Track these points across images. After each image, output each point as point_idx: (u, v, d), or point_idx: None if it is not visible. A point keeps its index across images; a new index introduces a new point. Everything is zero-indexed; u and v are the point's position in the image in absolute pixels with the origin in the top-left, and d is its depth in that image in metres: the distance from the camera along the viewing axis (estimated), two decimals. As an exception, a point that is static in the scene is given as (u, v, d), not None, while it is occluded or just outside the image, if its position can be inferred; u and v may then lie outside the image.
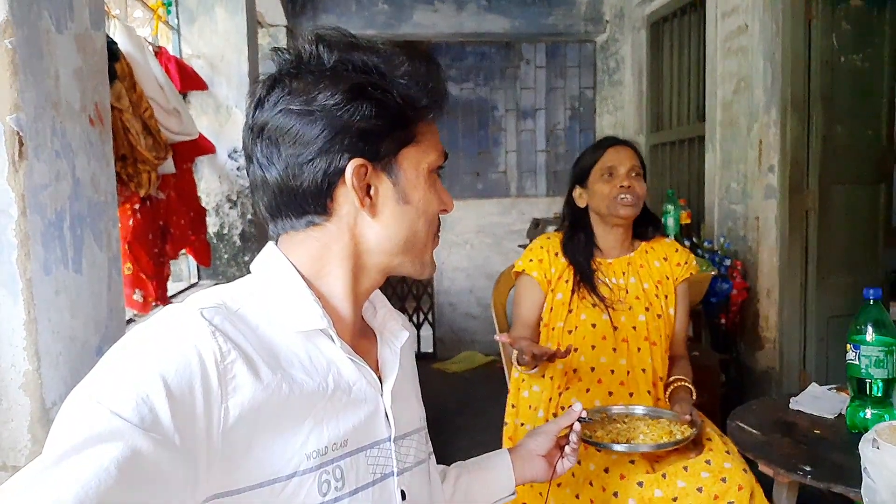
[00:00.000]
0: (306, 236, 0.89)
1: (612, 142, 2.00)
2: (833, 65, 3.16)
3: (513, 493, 1.26)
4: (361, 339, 0.99)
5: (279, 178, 0.85)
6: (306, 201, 0.86)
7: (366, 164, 0.85)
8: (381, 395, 0.93)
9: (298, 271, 0.89)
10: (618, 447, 1.58)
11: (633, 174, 1.93)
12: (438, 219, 0.96)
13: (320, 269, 0.90)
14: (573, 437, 1.28)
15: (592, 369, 1.93)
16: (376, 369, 0.96)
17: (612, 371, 1.93)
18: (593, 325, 1.94)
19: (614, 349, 1.94)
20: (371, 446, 0.90)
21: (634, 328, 1.96)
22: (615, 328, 1.94)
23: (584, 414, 1.28)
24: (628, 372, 1.93)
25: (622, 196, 1.90)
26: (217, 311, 0.80)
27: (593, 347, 1.94)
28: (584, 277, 1.97)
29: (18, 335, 1.02)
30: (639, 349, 1.95)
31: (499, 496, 1.25)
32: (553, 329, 1.98)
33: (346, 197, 0.86)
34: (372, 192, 0.88)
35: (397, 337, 1.01)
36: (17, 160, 1.01)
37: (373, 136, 0.85)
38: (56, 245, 1.12)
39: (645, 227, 2.04)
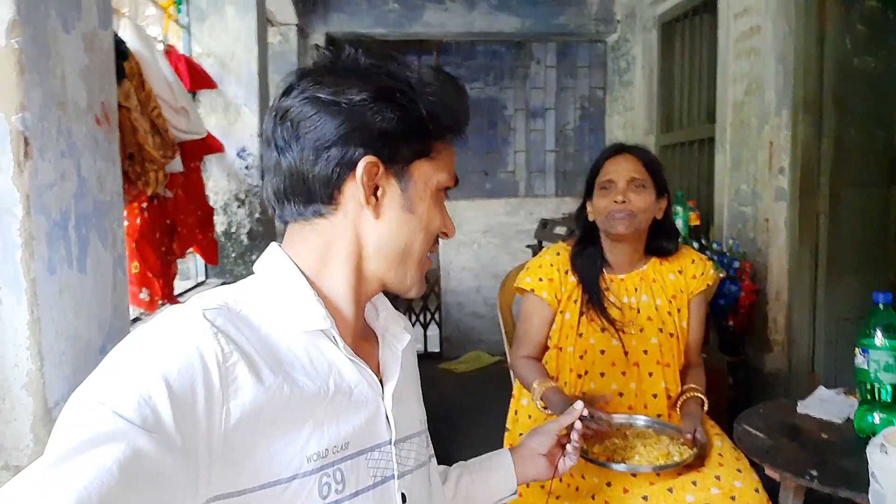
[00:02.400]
0: (311, 228, 0.89)
1: (611, 152, 1.89)
2: (846, 66, 3.14)
3: (514, 493, 1.26)
4: (363, 341, 0.99)
5: (293, 162, 0.86)
6: (315, 188, 0.86)
7: (378, 163, 0.86)
8: (382, 398, 0.93)
9: (302, 271, 0.89)
10: (616, 466, 1.55)
11: (635, 185, 1.81)
12: (436, 240, 0.97)
13: (323, 268, 0.90)
14: (574, 436, 1.28)
15: None
16: (377, 372, 0.96)
17: (621, 394, 1.88)
18: (602, 352, 1.89)
19: (624, 373, 1.88)
20: (372, 449, 0.90)
21: (646, 352, 1.89)
22: (626, 353, 1.88)
23: (585, 413, 1.27)
24: (636, 395, 1.88)
25: (616, 212, 1.81)
26: (219, 313, 0.80)
27: (602, 375, 1.89)
28: (594, 300, 1.89)
29: (22, 335, 1.02)
30: (651, 374, 1.89)
31: (500, 496, 1.25)
32: (562, 350, 1.93)
33: (353, 192, 0.87)
34: (379, 192, 0.88)
35: (399, 339, 1.01)
36: (22, 160, 1.01)
37: (391, 139, 0.86)
38: (60, 244, 1.12)
39: (660, 240, 1.92)
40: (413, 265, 0.94)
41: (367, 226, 0.89)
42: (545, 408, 1.80)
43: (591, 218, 1.91)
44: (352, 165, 0.85)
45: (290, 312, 0.86)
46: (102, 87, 1.32)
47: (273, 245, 0.93)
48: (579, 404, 1.27)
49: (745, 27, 3.52)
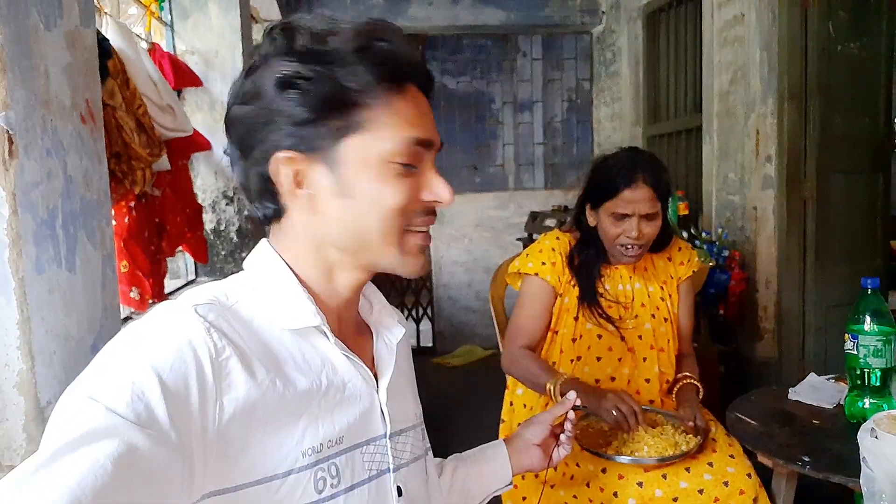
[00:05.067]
0: (279, 228, 0.89)
1: (629, 179, 1.77)
2: (830, 53, 3.15)
3: (510, 484, 1.26)
4: (357, 335, 0.98)
5: (238, 172, 0.87)
6: (260, 195, 0.86)
7: (294, 156, 0.82)
8: (377, 391, 0.93)
9: (290, 268, 0.88)
10: (621, 459, 1.58)
11: (647, 217, 1.79)
12: (417, 213, 0.88)
13: (299, 263, 0.89)
14: (568, 426, 1.28)
15: (597, 381, 1.90)
16: (372, 366, 0.95)
17: (613, 378, 1.91)
18: (599, 336, 1.91)
19: (620, 359, 1.91)
20: (367, 443, 0.90)
21: (640, 337, 1.92)
22: (623, 338, 1.90)
23: (578, 402, 1.27)
24: (629, 381, 1.91)
25: (629, 245, 1.81)
26: (211, 308, 0.79)
27: (598, 359, 1.91)
28: (588, 298, 1.90)
29: (12, 334, 1.02)
30: (644, 359, 1.92)
31: (496, 487, 1.25)
32: (557, 333, 1.94)
33: (287, 191, 0.85)
34: (307, 185, 0.84)
35: (393, 333, 1.01)
36: (6, 158, 1.00)
37: (302, 126, 0.82)
38: (49, 244, 1.11)
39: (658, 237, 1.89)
40: (386, 246, 0.86)
41: (309, 220, 0.86)
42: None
43: (591, 223, 1.90)
44: (272, 165, 0.83)
45: (281, 308, 0.85)
46: (87, 85, 1.30)
47: (263, 241, 0.93)
48: (572, 394, 1.27)
49: (728, 16, 3.53)
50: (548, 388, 1.75)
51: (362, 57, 0.81)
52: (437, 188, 0.88)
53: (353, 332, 0.97)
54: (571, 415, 1.28)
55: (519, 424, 1.91)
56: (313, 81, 0.80)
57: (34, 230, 1.07)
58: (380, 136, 0.83)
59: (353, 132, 0.82)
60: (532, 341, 1.94)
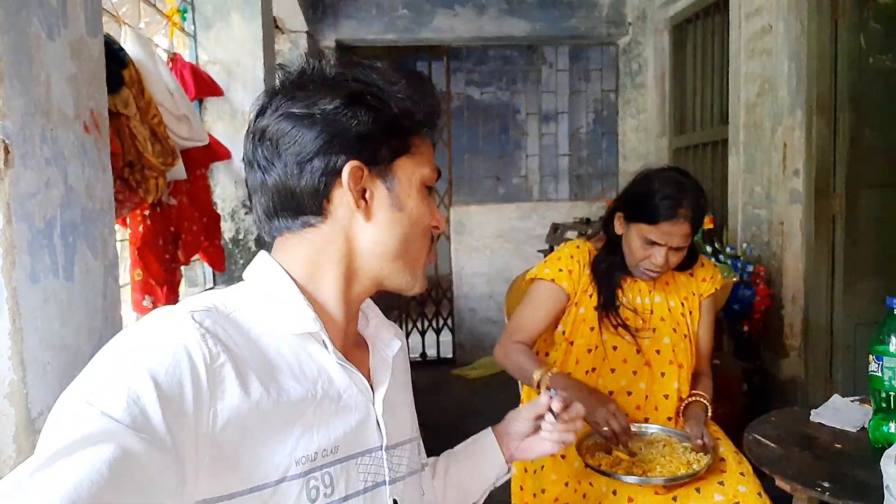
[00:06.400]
0: (301, 238, 0.91)
1: (672, 213, 1.73)
2: (860, 65, 3.08)
3: (509, 471, 1.23)
4: (355, 348, 1.00)
5: (278, 179, 0.88)
6: (303, 201, 0.88)
7: (362, 166, 0.87)
8: (373, 403, 0.94)
9: (291, 277, 0.90)
10: (629, 479, 1.54)
11: (678, 248, 1.78)
12: (431, 236, 0.98)
13: (314, 273, 0.91)
14: (546, 425, 1.20)
15: (611, 392, 1.86)
16: (368, 378, 0.96)
17: (630, 393, 1.87)
18: (614, 348, 1.88)
19: (635, 372, 1.87)
20: (363, 454, 0.91)
21: (658, 352, 1.88)
22: (638, 351, 1.87)
23: (554, 407, 1.18)
24: (647, 396, 1.87)
25: (652, 270, 1.80)
26: (208, 315, 0.81)
27: (613, 371, 1.88)
28: (608, 305, 1.87)
29: (3, 345, 1.01)
30: (662, 374, 1.88)
31: (495, 475, 1.22)
32: (572, 343, 1.91)
33: (341, 198, 0.88)
34: (367, 195, 0.89)
35: (389, 346, 1.02)
36: (2, 168, 1.00)
37: (370, 141, 0.87)
38: (45, 253, 1.11)
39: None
40: (410, 262, 0.95)
41: (359, 228, 0.90)
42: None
43: (618, 231, 1.87)
44: (336, 173, 0.87)
45: (280, 316, 0.87)
46: (91, 95, 1.30)
47: (262, 253, 0.95)
48: (543, 397, 1.20)
49: (756, 27, 3.47)
50: (534, 378, 1.77)
51: (415, 97, 0.91)
52: (438, 215, 0.98)
53: (351, 346, 0.99)
54: (549, 417, 1.20)
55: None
56: (381, 101, 0.88)
57: (29, 240, 1.06)
58: (420, 162, 0.93)
59: (405, 154, 0.92)
60: (528, 340, 1.93)
